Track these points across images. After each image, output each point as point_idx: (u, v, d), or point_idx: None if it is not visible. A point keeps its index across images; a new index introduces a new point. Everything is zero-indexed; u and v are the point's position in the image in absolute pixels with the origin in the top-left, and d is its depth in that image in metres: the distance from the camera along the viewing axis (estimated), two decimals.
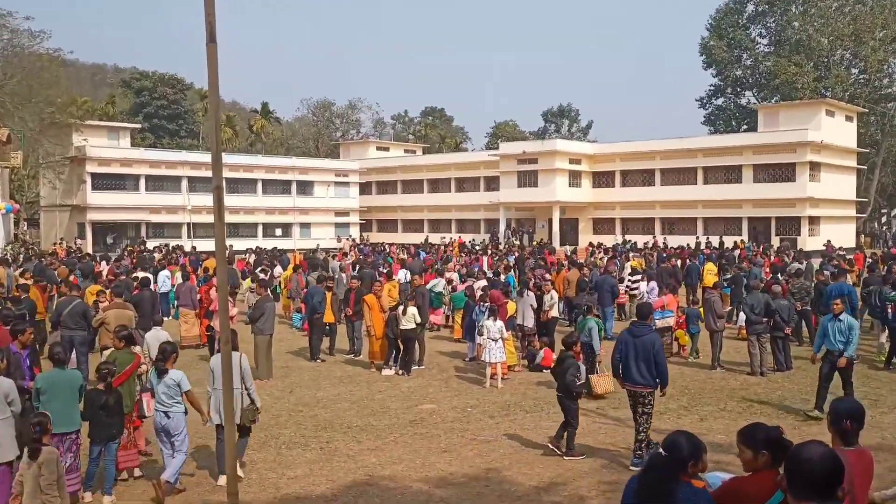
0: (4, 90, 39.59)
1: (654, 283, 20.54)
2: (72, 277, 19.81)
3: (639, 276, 24.02)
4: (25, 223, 57.50)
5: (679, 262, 28.22)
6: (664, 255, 32.22)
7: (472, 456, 10.31)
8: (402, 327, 15.40)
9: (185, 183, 55.87)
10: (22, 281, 19.66)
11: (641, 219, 55.56)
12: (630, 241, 46.93)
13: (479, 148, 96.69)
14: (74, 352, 13.56)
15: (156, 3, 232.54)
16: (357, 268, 27.80)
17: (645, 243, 42.91)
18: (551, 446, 10.31)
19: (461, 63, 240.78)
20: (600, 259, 29.90)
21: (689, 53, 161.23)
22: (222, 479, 8.90)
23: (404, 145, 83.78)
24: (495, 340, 14.39)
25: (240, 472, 8.98)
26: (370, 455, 10.36)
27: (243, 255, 32.96)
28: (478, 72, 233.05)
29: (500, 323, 14.73)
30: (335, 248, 47.09)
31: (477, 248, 43.80)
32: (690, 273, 25.78)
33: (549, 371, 15.74)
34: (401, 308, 15.69)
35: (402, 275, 24.20)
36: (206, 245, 42.56)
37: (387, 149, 77.97)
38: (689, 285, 25.29)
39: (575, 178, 57.38)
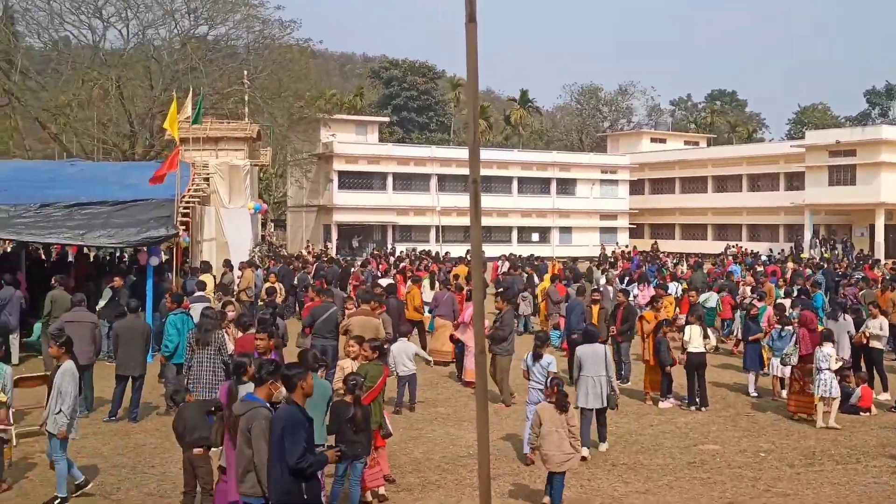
0: (255, 84, 43.67)
1: None
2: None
3: None
4: (272, 224, 63.03)
5: None
6: None
7: None
8: (691, 350, 15.12)
9: (434, 181, 58.46)
10: (268, 284, 21.79)
11: None
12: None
13: (778, 138, 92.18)
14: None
15: None
16: (625, 280, 27.54)
17: None
18: None
19: (756, 35, 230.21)
20: None
21: None
22: (603, 447, 12.21)
23: (684, 136, 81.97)
24: (819, 370, 13.68)
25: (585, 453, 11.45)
26: (638, 498, 10.25)
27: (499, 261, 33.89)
28: (778, 44, 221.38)
29: (832, 350, 13.92)
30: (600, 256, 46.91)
31: (769, 259, 41.72)
32: None
33: (865, 412, 14.69)
34: (692, 329, 15.38)
35: (673, 288, 23.81)
36: (457, 251, 44.12)
37: (663, 140, 76.72)
38: None
39: None
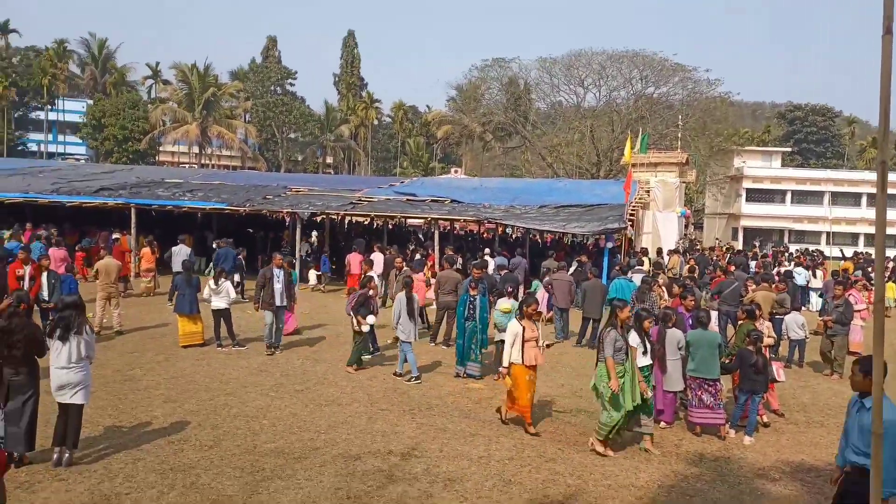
0: (686, 126, 41.99)
1: None
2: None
3: None
4: (692, 226, 60.24)
5: None
6: None
7: None
8: None
9: (827, 197, 51.25)
10: (688, 266, 20.79)
11: None
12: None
13: None
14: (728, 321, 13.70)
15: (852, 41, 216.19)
16: None
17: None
18: None
19: None
20: None
21: None
22: None
23: None
24: None
25: None
26: None
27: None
28: None
29: None
30: None
31: None
32: None
33: None
34: None
35: None
36: (846, 252, 38.24)
37: None
38: None
39: None
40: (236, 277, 17.72)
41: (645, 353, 8.13)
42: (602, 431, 7.64)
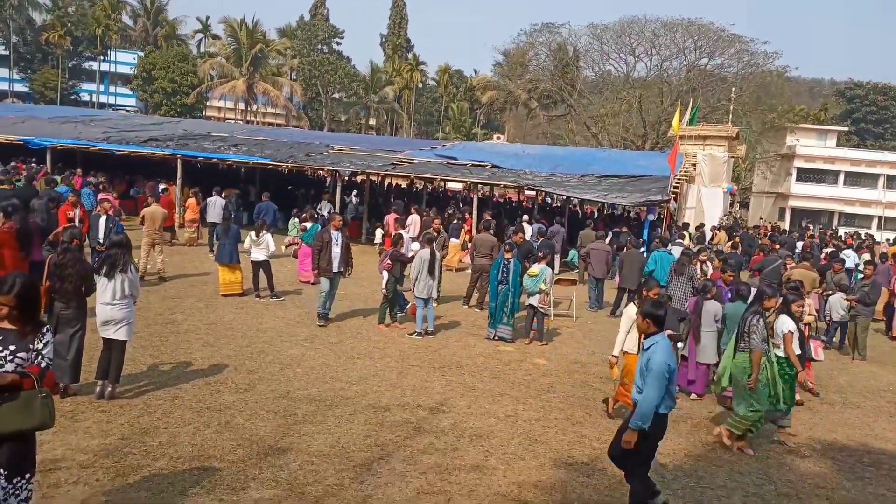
0: (740, 100, 40.64)
1: None
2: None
3: None
4: (738, 204, 58.74)
5: None
6: None
7: None
8: None
9: (882, 180, 49.33)
10: (730, 242, 20.38)
11: None
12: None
13: None
14: None
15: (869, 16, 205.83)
16: None
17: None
18: None
19: None
20: None
21: None
22: None
23: None
24: None
25: None
26: None
27: None
28: None
29: None
30: None
31: None
32: None
33: None
34: None
35: None
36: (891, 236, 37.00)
37: None
38: None
39: None
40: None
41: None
42: (739, 426, 7.03)
